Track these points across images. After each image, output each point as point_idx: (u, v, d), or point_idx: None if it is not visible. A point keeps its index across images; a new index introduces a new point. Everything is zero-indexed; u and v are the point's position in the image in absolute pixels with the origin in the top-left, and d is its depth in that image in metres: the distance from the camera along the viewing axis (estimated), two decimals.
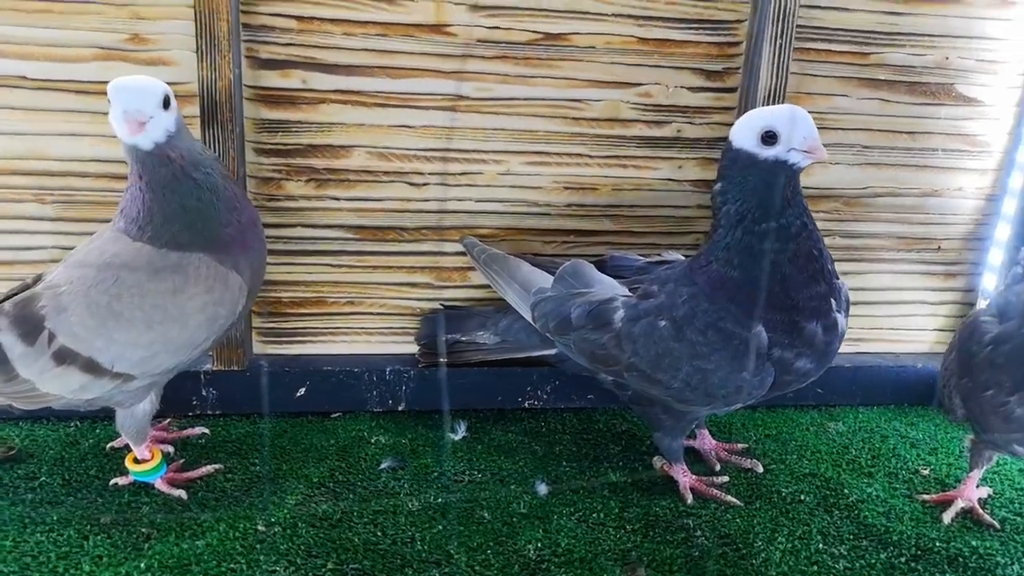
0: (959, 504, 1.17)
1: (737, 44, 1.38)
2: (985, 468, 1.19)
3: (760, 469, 1.26)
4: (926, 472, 1.29)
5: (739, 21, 1.37)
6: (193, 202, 1.03)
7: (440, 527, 1.06)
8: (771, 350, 1.05)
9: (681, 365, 1.08)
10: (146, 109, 0.97)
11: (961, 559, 1.06)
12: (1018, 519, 1.17)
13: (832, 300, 1.08)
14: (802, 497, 1.19)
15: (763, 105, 1.34)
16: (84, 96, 1.24)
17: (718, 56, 1.38)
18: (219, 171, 1.08)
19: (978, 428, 1.13)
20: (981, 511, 1.16)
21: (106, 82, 1.00)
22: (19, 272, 1.27)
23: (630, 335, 1.12)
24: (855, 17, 1.39)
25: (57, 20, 1.21)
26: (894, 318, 1.58)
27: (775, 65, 1.34)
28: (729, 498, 1.16)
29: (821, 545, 1.08)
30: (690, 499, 1.16)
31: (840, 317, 1.09)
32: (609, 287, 1.20)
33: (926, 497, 1.20)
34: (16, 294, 1.06)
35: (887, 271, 1.55)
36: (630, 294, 1.17)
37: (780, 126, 1.02)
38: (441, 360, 1.35)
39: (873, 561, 1.05)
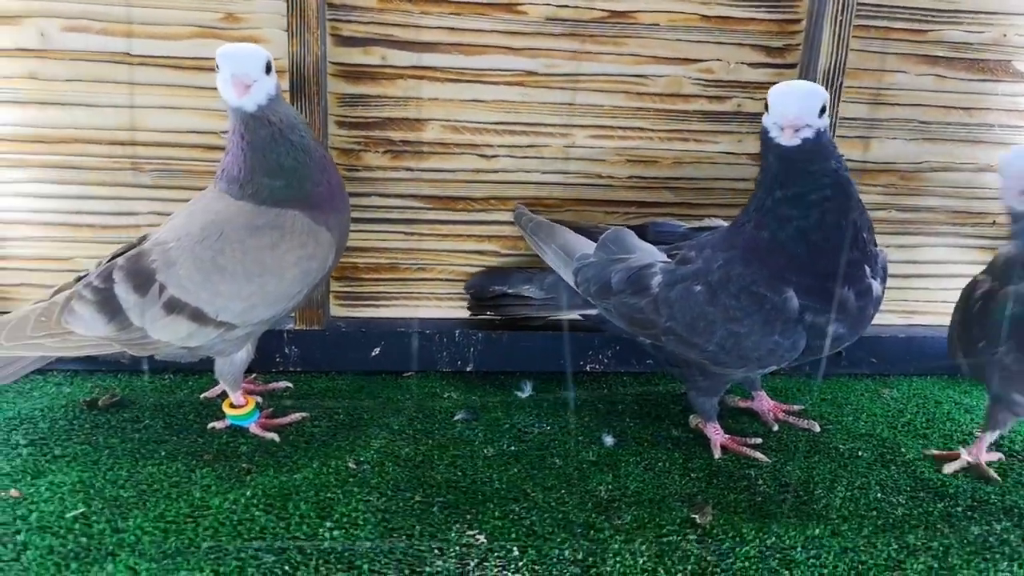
0: (964, 459, 1.22)
1: (797, 21, 1.43)
2: (999, 432, 1.22)
3: (817, 429, 1.31)
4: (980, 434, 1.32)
5: None
6: (290, 161, 1.11)
7: (515, 470, 1.13)
8: (803, 314, 1.08)
9: (716, 329, 1.12)
10: (252, 73, 1.05)
11: (1016, 510, 1.10)
12: None
13: (867, 267, 1.09)
14: (859, 453, 1.24)
15: (822, 81, 1.39)
16: (181, 71, 1.34)
17: (778, 33, 1.43)
18: (311, 135, 1.16)
19: (982, 383, 1.17)
20: (984, 467, 1.20)
21: (202, 58, 1.09)
22: (117, 235, 1.37)
23: (667, 300, 1.16)
24: None
25: (157, 1, 1.30)
26: (948, 291, 1.60)
27: (835, 42, 1.39)
28: (758, 455, 1.21)
29: (880, 495, 1.12)
30: (718, 454, 1.21)
31: (875, 283, 1.11)
32: (649, 254, 1.24)
33: (933, 452, 1.25)
34: (126, 251, 1.15)
35: (942, 244, 1.58)
36: (669, 260, 1.22)
37: (773, 100, 1.04)
38: (488, 309, 1.43)
39: (931, 509, 1.09)
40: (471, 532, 0.98)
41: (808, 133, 1.02)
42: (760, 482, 1.15)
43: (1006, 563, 0.98)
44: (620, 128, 1.45)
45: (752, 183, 1.50)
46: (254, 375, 1.39)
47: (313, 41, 1.30)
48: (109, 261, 1.14)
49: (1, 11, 1.29)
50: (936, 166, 1.53)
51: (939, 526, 1.05)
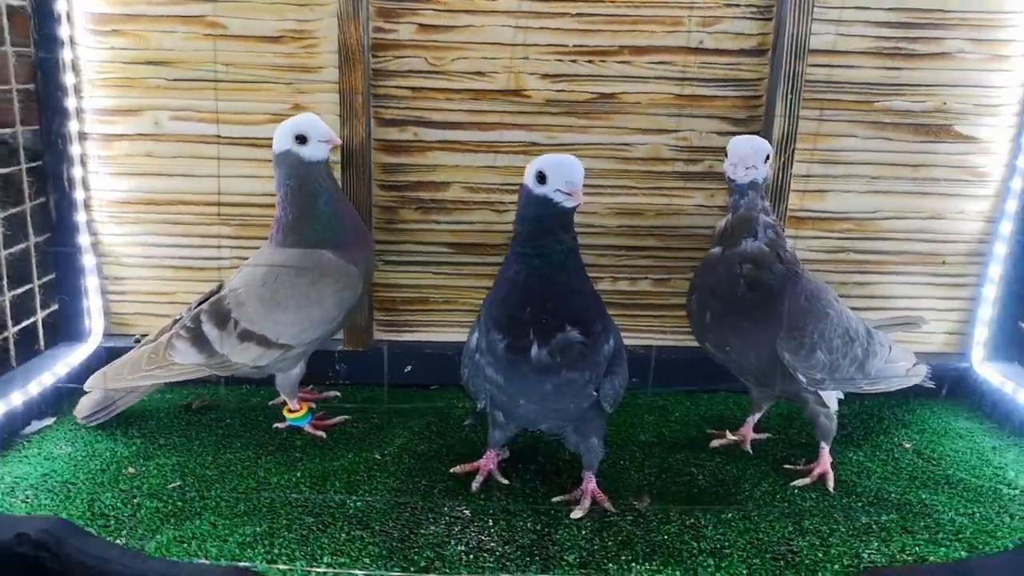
0: (730, 437, 1.54)
1: (759, 97, 1.71)
2: (758, 414, 1.56)
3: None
4: (908, 445, 1.56)
5: (760, 79, 1.70)
6: (327, 209, 1.48)
7: (505, 465, 1.44)
8: (508, 352, 1.21)
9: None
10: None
11: (909, 506, 1.35)
12: (972, 479, 1.43)
13: (569, 325, 1.19)
14: (792, 459, 1.50)
15: (777, 147, 1.66)
16: (260, 148, 1.71)
17: (743, 107, 1.71)
18: (340, 193, 1.52)
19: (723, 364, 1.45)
20: (746, 443, 1.52)
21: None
22: (208, 276, 1.75)
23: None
24: (861, 72, 1.69)
25: (243, 95, 1.68)
26: None
27: (787, 115, 1.66)
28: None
29: (796, 491, 1.39)
30: (476, 487, 1.36)
31: (537, 351, 1.19)
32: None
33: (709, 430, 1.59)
34: (207, 299, 1.52)
35: (898, 282, 1.82)
36: None
37: (548, 169, 1.18)
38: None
39: (835, 503, 1.35)
40: (460, 507, 1.30)
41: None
42: (700, 478, 1.43)
43: (876, 543, 1.23)
44: (610, 186, 1.76)
45: None
46: (311, 387, 1.75)
47: (359, 125, 1.65)
48: (197, 306, 1.52)
49: (127, 106, 1.69)
50: (888, 215, 1.77)
51: (835, 515, 1.31)
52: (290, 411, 1.57)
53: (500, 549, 1.19)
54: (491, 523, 1.26)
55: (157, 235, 1.77)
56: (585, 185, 1.71)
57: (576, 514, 1.31)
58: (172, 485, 1.35)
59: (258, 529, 1.22)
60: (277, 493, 1.33)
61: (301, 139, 1.45)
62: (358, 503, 1.30)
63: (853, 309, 1.51)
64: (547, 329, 1.18)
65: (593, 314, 1.22)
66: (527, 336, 1.19)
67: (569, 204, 1.18)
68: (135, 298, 1.81)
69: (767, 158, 1.34)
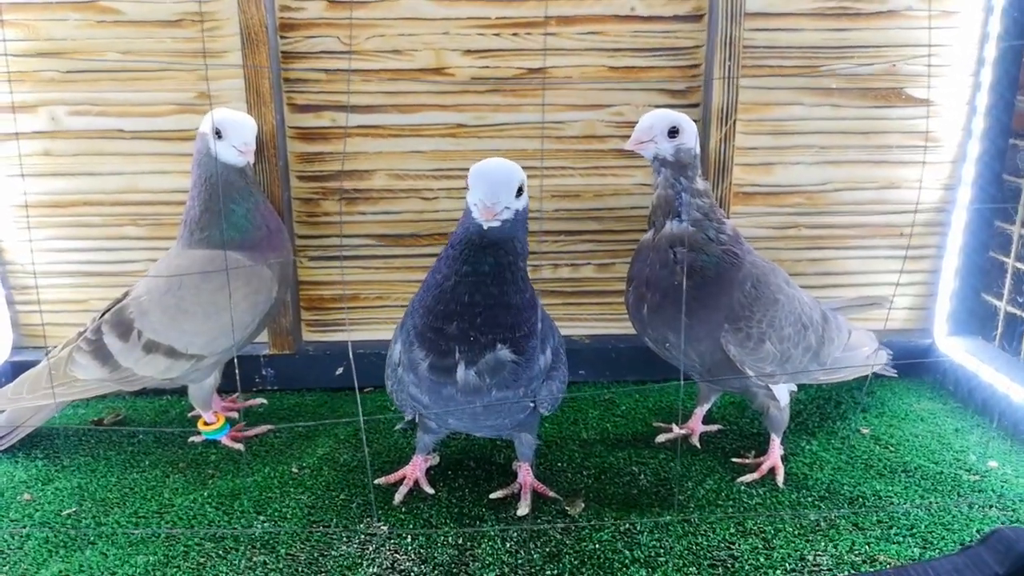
0: (676, 431, 1.45)
1: (697, 66, 1.60)
2: (706, 406, 1.48)
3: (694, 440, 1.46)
4: (865, 431, 1.48)
5: (697, 47, 1.59)
6: (241, 208, 1.37)
7: (434, 473, 1.34)
8: (431, 373, 1.10)
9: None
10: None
11: (862, 499, 1.26)
12: (931, 466, 1.35)
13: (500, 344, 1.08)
14: (741, 452, 1.41)
15: (717, 119, 1.56)
16: (167, 142, 1.59)
17: (680, 77, 1.61)
18: (256, 188, 1.41)
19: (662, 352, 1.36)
20: (694, 437, 1.45)
21: (182, 130, 1.36)
22: (121, 280, 1.63)
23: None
24: (803, 36, 1.58)
25: (144, 85, 1.56)
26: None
27: (726, 84, 1.55)
28: (427, 488, 1.28)
29: (743, 488, 1.30)
30: (399, 499, 1.25)
31: (463, 371, 1.08)
32: None
33: (655, 423, 1.51)
34: (111, 308, 1.41)
35: (854, 257, 1.72)
36: None
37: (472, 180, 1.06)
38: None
39: (783, 500, 1.26)
40: (378, 523, 1.20)
41: (508, 214, 1.05)
42: (642, 477, 1.33)
43: (824, 543, 1.14)
44: (544, 168, 1.65)
45: None
46: (236, 394, 1.64)
47: (268, 112, 1.54)
48: (101, 316, 1.40)
49: (20, 102, 1.57)
50: (840, 186, 1.67)
51: (782, 513, 1.22)
52: (205, 424, 1.46)
53: (416, 569, 1.10)
54: (409, 540, 1.16)
55: (63, 239, 1.65)
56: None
57: (522, 510, 1.22)
58: (67, 512, 1.24)
59: (152, 559, 1.12)
60: (180, 516, 1.22)
61: (218, 133, 1.34)
62: (266, 524, 1.20)
63: (807, 289, 1.42)
64: (475, 347, 1.07)
65: (529, 329, 1.10)
66: (452, 354, 1.07)
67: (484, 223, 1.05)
68: (45, 307, 1.70)
69: (672, 131, 1.23)
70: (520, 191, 1.07)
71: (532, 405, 1.16)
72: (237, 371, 1.60)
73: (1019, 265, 1.57)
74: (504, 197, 1.04)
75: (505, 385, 1.09)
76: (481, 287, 1.07)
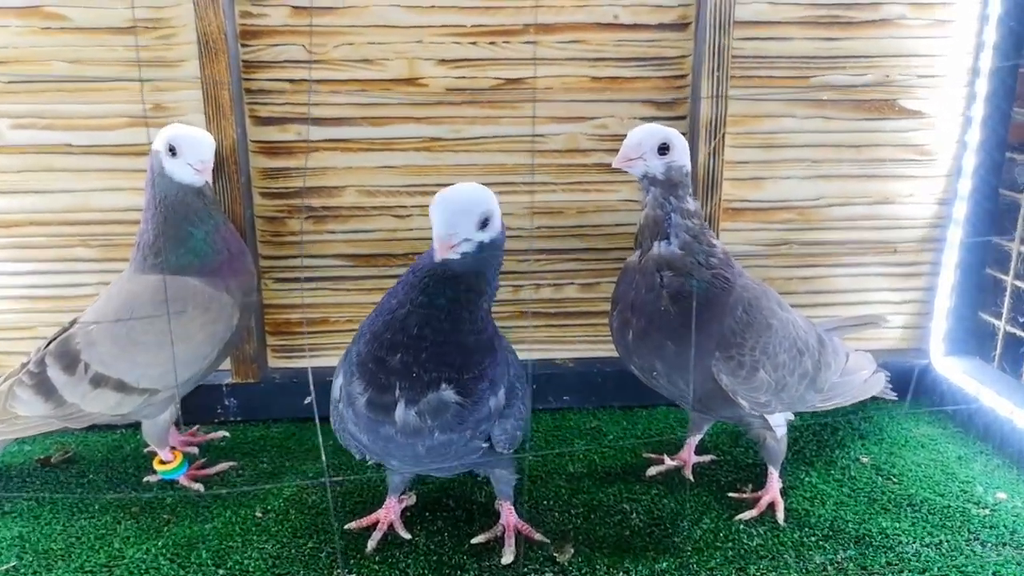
0: (668, 462, 1.37)
1: (684, 76, 1.53)
2: (698, 435, 1.39)
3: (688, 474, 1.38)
4: (865, 460, 1.40)
5: (684, 56, 1.51)
6: (199, 232, 1.27)
7: (409, 515, 1.24)
8: (368, 410, 1.00)
9: None
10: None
11: (868, 538, 1.18)
12: (937, 499, 1.27)
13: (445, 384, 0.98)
14: (738, 485, 1.33)
15: (705, 132, 1.48)
16: (119, 157, 1.48)
17: (666, 88, 1.53)
18: (215, 208, 1.31)
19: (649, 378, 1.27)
20: (686, 468, 1.36)
21: (135, 144, 1.25)
22: (72, 304, 1.52)
23: None
24: (793, 45, 1.52)
25: (94, 96, 1.45)
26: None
27: (714, 95, 1.48)
28: (403, 534, 1.19)
29: (742, 526, 1.21)
30: (372, 546, 1.16)
31: (403, 410, 0.98)
32: None
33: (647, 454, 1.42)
34: (56, 337, 1.30)
35: (847, 274, 1.66)
36: None
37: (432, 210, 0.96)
38: None
39: (785, 540, 1.18)
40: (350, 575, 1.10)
41: (468, 247, 0.96)
42: (634, 516, 1.24)
43: None
44: (524, 183, 1.56)
45: None
46: (196, 427, 1.53)
47: (228, 125, 1.43)
48: (46, 347, 1.29)
49: None
50: (832, 201, 1.61)
51: (786, 556, 1.14)
52: (161, 462, 1.35)
53: None
54: None
55: (8, 261, 1.53)
56: (497, 183, 1.56)
57: (506, 558, 1.13)
58: (4, 567, 1.12)
59: None
60: (131, 570, 1.11)
61: (172, 150, 1.24)
62: None
63: (799, 308, 1.34)
64: (417, 385, 0.98)
65: (479, 369, 1.00)
66: (392, 390, 0.98)
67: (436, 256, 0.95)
68: None
69: (663, 148, 1.15)
70: (486, 222, 0.97)
71: (486, 445, 1.06)
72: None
73: (1018, 283, 1.51)
74: (463, 228, 0.95)
75: (449, 428, 1.00)
76: (433, 321, 0.98)
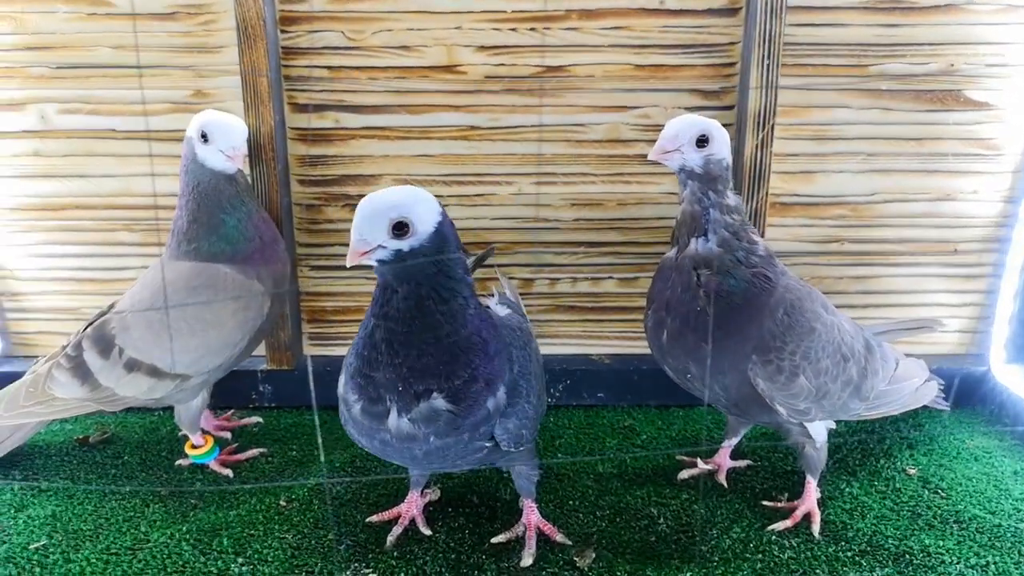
0: (702, 467, 1.32)
1: (732, 64, 1.46)
2: (735, 439, 1.34)
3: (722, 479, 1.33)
4: (912, 472, 1.33)
5: (732, 43, 1.45)
6: (232, 219, 1.28)
7: (431, 510, 1.23)
8: (363, 417, 0.99)
9: None
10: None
11: (908, 555, 1.12)
12: (987, 516, 1.20)
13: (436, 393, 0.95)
14: (773, 493, 1.27)
15: (753, 123, 1.42)
16: (162, 143, 1.50)
17: (714, 77, 1.47)
18: (250, 195, 1.31)
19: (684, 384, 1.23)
20: (721, 473, 1.31)
21: (177, 131, 1.27)
22: (115, 288, 1.54)
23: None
24: (850, 32, 1.44)
25: (138, 83, 1.47)
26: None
27: (764, 85, 1.41)
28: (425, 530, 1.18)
29: (774, 537, 1.16)
30: (392, 541, 1.15)
31: (396, 419, 0.96)
32: None
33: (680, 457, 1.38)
34: (94, 321, 1.32)
35: (903, 275, 1.57)
36: None
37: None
38: None
39: (819, 554, 1.13)
40: (366, 570, 1.09)
41: (383, 254, 0.92)
42: (661, 521, 1.21)
43: None
44: (563, 174, 1.52)
45: None
46: (231, 411, 1.55)
47: (266, 112, 1.43)
48: (84, 330, 1.31)
49: (7, 100, 1.48)
50: (888, 197, 1.53)
51: (818, 571, 1.09)
52: (193, 447, 1.36)
53: None
54: None
55: (54, 244, 1.57)
56: (535, 173, 1.53)
57: (526, 560, 1.10)
58: (35, 545, 1.15)
59: None
60: (154, 554, 1.13)
61: (204, 136, 1.25)
62: (244, 568, 1.09)
63: (849, 309, 1.29)
64: (407, 396, 0.95)
65: (470, 371, 0.96)
66: (383, 401, 0.96)
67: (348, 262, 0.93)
68: (36, 315, 1.62)
69: (701, 140, 1.10)
70: (401, 228, 0.90)
71: (489, 445, 1.03)
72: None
73: None
74: (374, 235, 0.90)
75: (443, 434, 0.97)
76: (396, 333, 0.94)
